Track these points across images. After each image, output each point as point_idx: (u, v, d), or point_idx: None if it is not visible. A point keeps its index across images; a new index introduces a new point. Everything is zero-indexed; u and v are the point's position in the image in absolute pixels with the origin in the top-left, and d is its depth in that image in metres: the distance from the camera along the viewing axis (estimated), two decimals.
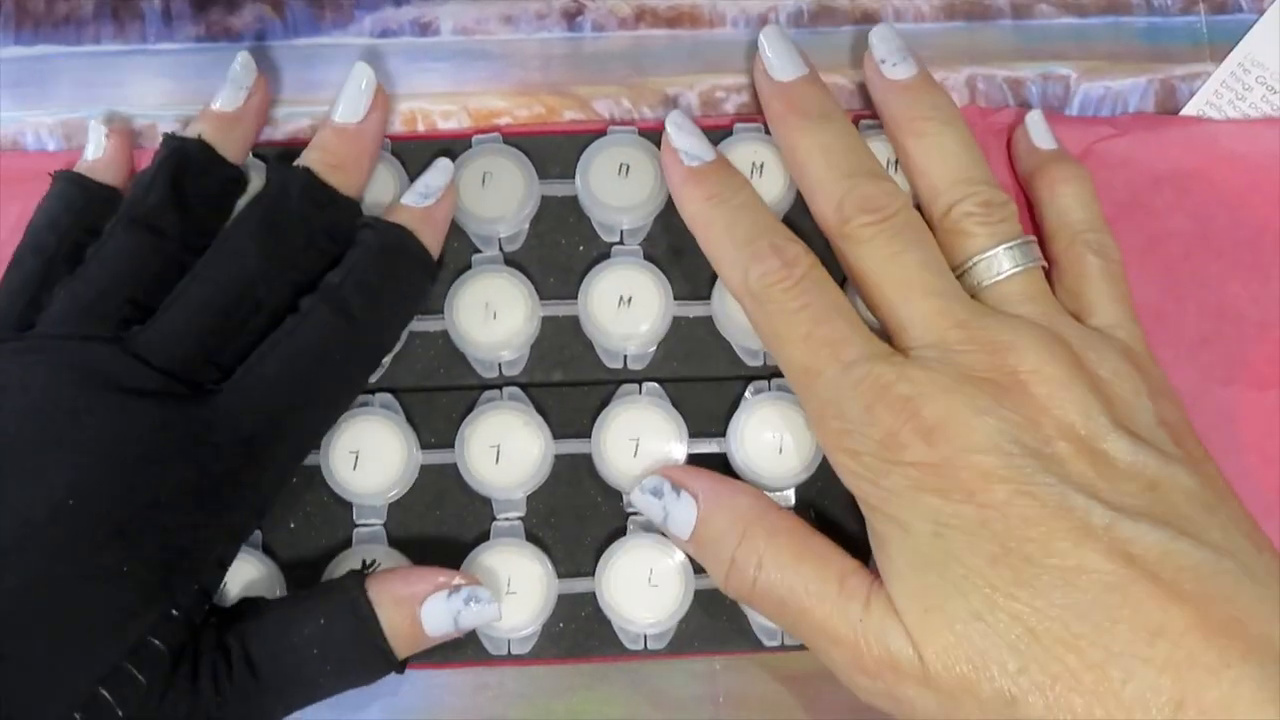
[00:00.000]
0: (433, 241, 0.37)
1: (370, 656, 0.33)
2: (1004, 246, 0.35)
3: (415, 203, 0.37)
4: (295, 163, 0.37)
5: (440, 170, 0.38)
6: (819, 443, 0.35)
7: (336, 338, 0.35)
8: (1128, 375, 0.33)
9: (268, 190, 0.36)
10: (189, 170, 0.36)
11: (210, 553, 0.33)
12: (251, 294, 0.35)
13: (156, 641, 0.31)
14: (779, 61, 0.38)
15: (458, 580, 0.34)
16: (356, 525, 0.38)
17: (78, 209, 0.36)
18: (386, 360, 0.38)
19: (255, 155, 0.39)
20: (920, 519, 0.31)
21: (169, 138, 0.37)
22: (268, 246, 0.35)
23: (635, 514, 0.38)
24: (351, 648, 0.33)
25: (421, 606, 0.34)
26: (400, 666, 0.34)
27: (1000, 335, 0.33)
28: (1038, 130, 0.39)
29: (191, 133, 0.37)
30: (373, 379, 0.38)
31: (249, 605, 0.34)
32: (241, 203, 0.37)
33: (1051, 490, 0.30)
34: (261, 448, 0.33)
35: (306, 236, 0.36)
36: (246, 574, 0.36)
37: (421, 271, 0.37)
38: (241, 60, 0.38)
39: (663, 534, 0.37)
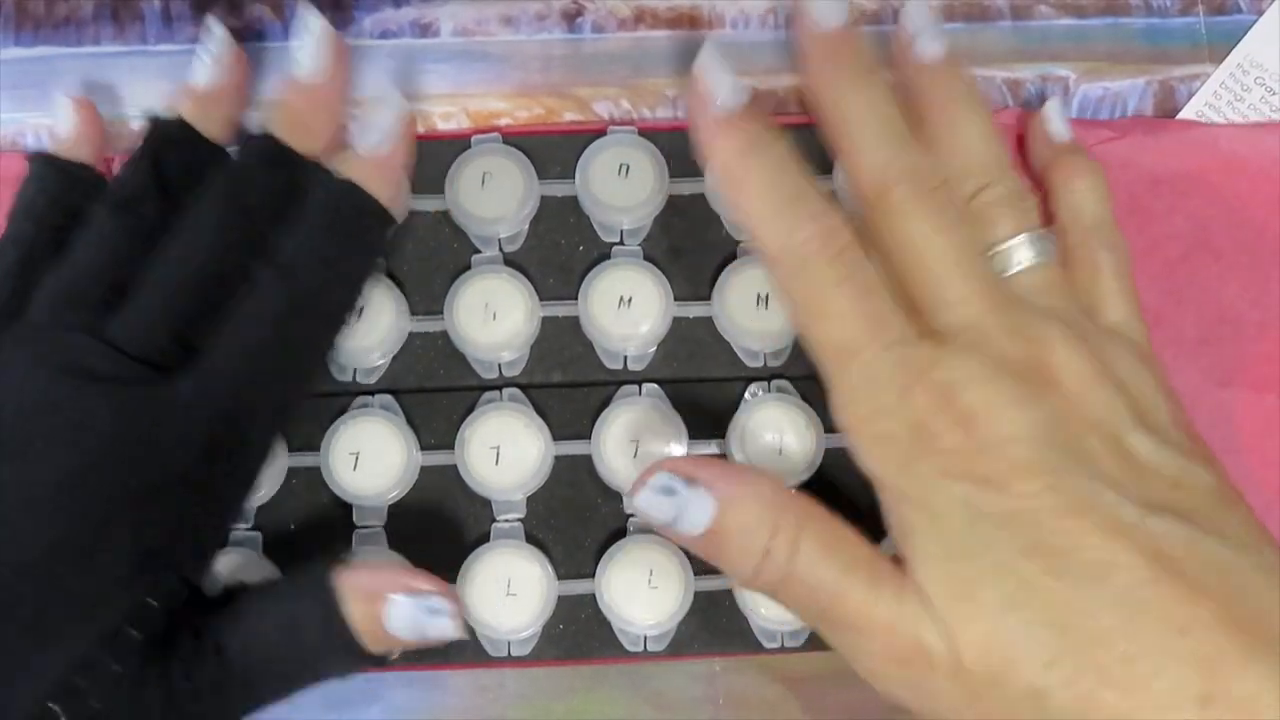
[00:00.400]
0: (386, 192, 0.36)
1: (336, 648, 0.33)
2: (1027, 237, 0.34)
3: (367, 150, 0.36)
4: (258, 124, 0.37)
5: (388, 104, 0.37)
6: (842, 426, 0.33)
7: (290, 308, 0.34)
8: (1143, 374, 0.33)
9: (230, 160, 0.36)
10: (170, 150, 0.36)
11: (188, 540, 0.33)
12: (218, 270, 0.34)
13: (132, 630, 0.31)
14: (825, 6, 0.36)
15: (425, 586, 0.33)
16: (356, 527, 0.38)
17: (53, 192, 0.36)
18: (385, 361, 0.38)
19: None
20: (951, 507, 0.31)
21: (151, 118, 0.37)
22: (230, 219, 0.35)
23: (635, 515, 0.38)
24: (317, 638, 0.33)
25: (385, 604, 0.33)
26: (375, 660, 0.33)
27: (1034, 327, 0.32)
28: (1054, 121, 0.38)
29: (172, 112, 0.37)
30: (372, 380, 0.38)
31: (226, 594, 0.34)
32: None
33: (1083, 485, 0.30)
34: (231, 429, 0.33)
35: (270, 204, 0.35)
36: (247, 575, 0.36)
37: (375, 226, 0.36)
38: (215, 34, 0.37)
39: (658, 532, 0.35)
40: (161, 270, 0.34)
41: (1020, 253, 0.34)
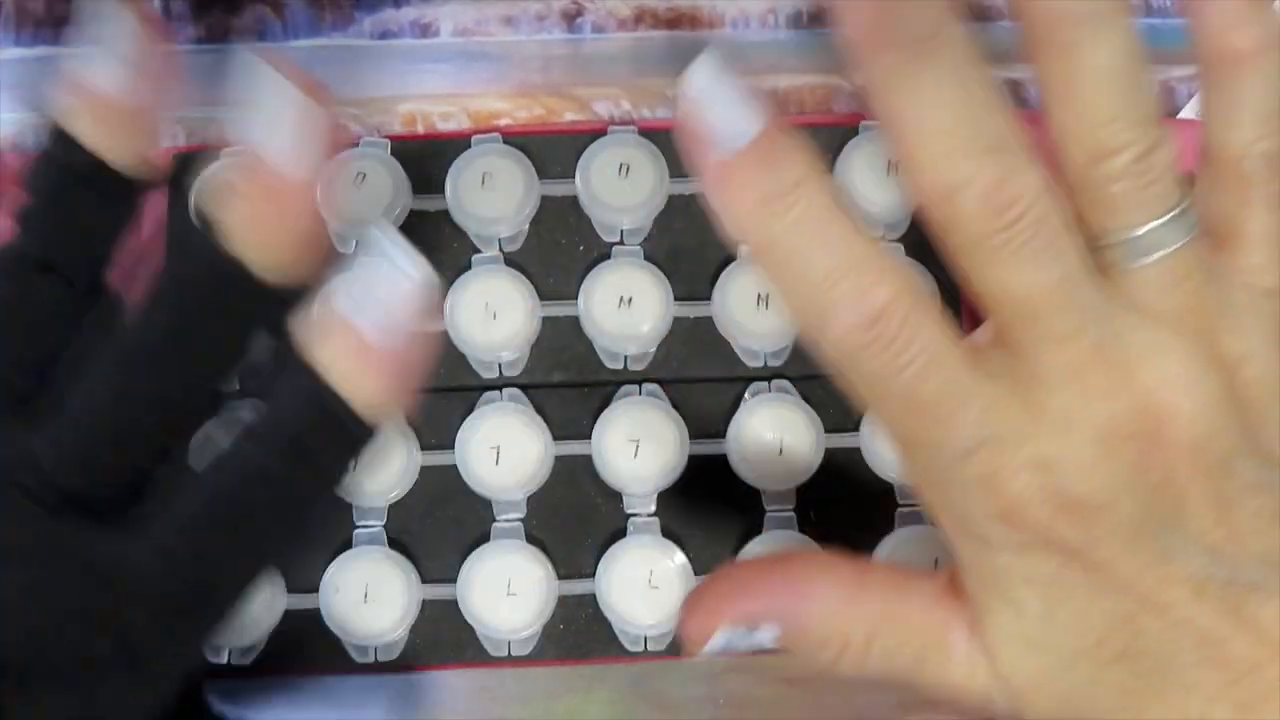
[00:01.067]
0: (378, 397, 0.27)
1: None
2: (1156, 223, 0.27)
3: (370, 331, 0.27)
4: (209, 211, 0.28)
5: (409, 269, 0.27)
6: (914, 492, 0.29)
7: (260, 496, 0.27)
8: (1267, 358, 0.28)
9: (184, 268, 0.28)
10: (67, 186, 0.28)
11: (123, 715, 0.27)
12: (161, 405, 0.28)
13: None
14: None
15: None
16: (356, 526, 0.38)
17: (60, 208, 0.28)
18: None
19: None
20: (1033, 597, 0.27)
21: (51, 141, 0.29)
22: (185, 349, 0.28)
23: (635, 515, 0.38)
24: None
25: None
26: None
27: (1144, 369, 0.27)
28: None
29: (71, 126, 0.28)
30: None
31: None
32: None
33: (1175, 561, 0.27)
34: (179, 608, 0.27)
35: (227, 336, 0.28)
36: None
37: (347, 449, 0.28)
38: (125, 24, 0.28)
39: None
40: (102, 383, 0.27)
41: (1145, 243, 0.27)
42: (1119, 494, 0.26)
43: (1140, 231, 0.27)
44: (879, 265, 0.26)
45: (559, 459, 0.38)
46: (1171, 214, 0.27)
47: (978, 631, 0.29)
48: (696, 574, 0.37)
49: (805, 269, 0.25)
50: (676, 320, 0.38)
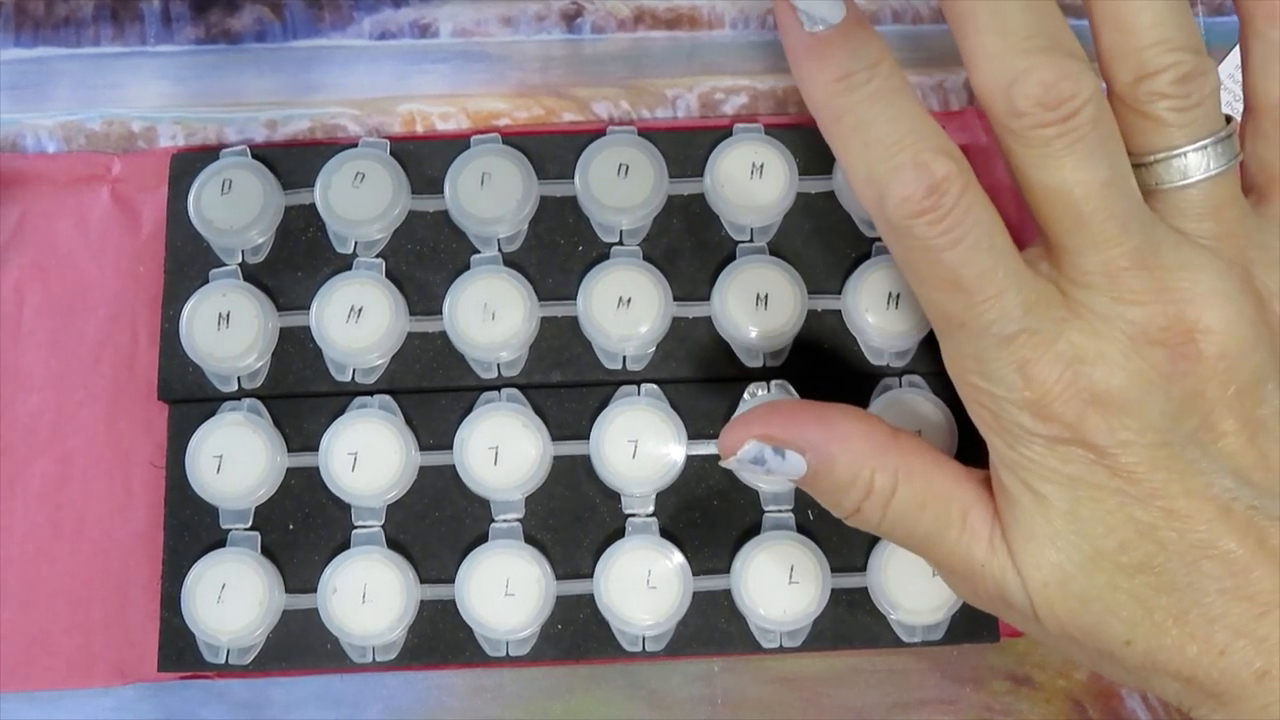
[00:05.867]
0: None
1: None
2: (1197, 145, 0.29)
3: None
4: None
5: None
6: (952, 378, 0.31)
7: None
8: None
9: None
10: None
11: None
12: None
13: None
14: None
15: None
16: (355, 526, 0.38)
17: None
18: (384, 361, 0.38)
19: (254, 156, 0.39)
20: (1058, 493, 0.29)
21: None
22: None
23: (634, 515, 0.38)
24: None
25: None
26: None
27: (1179, 280, 0.28)
28: None
29: None
30: (371, 380, 0.38)
31: None
32: (250, 203, 0.37)
33: (1201, 477, 0.28)
34: None
35: None
36: (245, 574, 0.36)
37: None
38: None
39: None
40: None
41: (1187, 164, 0.29)
42: (1146, 396, 0.28)
43: (1181, 152, 0.29)
44: (942, 142, 0.28)
45: (557, 459, 0.38)
46: (1212, 139, 0.29)
47: (1002, 522, 0.30)
48: (695, 574, 0.37)
49: (872, 138, 0.28)
50: (675, 320, 0.38)
